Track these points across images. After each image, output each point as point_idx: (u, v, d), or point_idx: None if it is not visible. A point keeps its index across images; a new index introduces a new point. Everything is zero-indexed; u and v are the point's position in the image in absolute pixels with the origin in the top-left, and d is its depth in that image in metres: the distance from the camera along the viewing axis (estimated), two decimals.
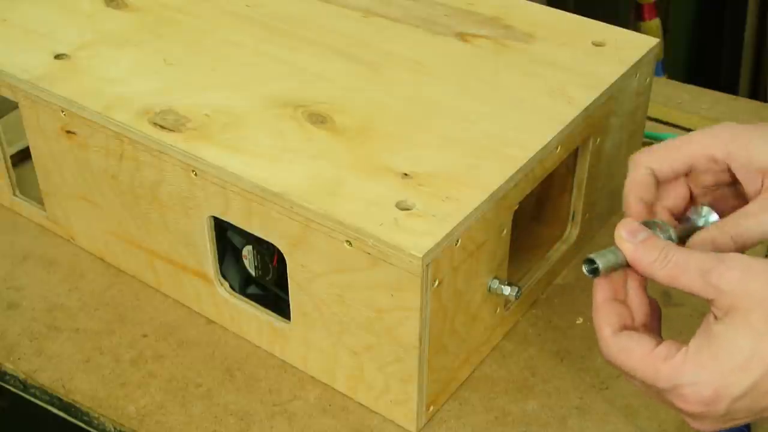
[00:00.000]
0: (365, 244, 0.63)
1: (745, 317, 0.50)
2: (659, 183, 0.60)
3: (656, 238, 0.55)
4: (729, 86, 1.95)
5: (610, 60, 0.82)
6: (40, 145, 0.84)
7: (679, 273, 0.53)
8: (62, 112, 0.78)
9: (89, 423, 0.74)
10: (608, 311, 0.56)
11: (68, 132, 0.79)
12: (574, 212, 0.84)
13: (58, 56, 0.83)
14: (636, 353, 0.53)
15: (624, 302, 0.57)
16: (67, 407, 0.75)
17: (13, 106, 0.84)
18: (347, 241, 0.64)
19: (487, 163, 0.69)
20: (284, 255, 0.70)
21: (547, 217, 0.87)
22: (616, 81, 0.79)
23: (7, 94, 0.83)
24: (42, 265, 0.87)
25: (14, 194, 0.92)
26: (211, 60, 0.83)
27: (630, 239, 0.55)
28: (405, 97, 0.77)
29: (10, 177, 0.91)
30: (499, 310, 0.75)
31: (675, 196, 0.61)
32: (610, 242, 0.56)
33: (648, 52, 0.83)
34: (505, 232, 0.71)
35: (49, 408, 0.76)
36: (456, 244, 0.65)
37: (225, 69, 0.81)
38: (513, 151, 0.70)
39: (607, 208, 0.89)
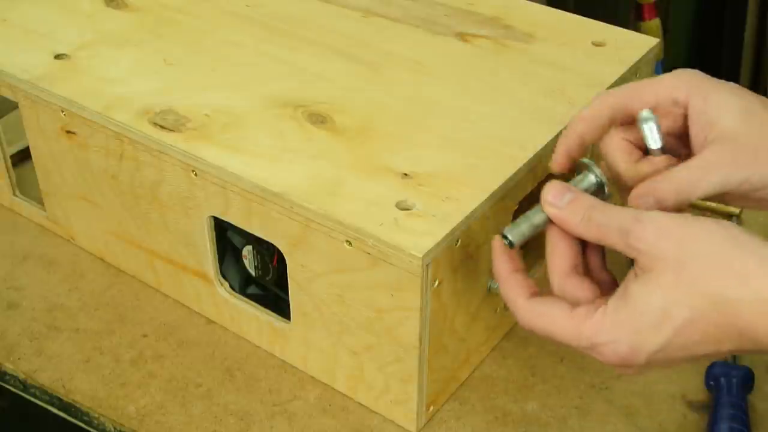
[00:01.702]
0: (365, 244, 0.63)
1: (657, 278, 0.51)
2: (622, 123, 0.60)
3: (581, 199, 0.56)
4: None
5: (610, 60, 0.82)
6: (40, 145, 0.84)
7: (602, 234, 0.54)
8: (62, 112, 0.78)
9: (89, 423, 0.74)
10: (517, 281, 0.57)
11: (68, 132, 0.79)
12: None
13: (58, 56, 0.83)
14: (556, 316, 0.54)
15: (525, 272, 0.59)
16: (67, 407, 0.75)
17: (13, 106, 0.84)
18: (347, 241, 0.64)
19: (487, 163, 0.69)
20: (284, 255, 0.70)
21: None
22: (616, 81, 0.79)
23: (7, 94, 0.83)
24: (42, 265, 0.87)
25: (14, 194, 0.92)
26: (211, 60, 0.83)
27: (555, 202, 0.56)
28: (405, 97, 0.77)
29: (10, 177, 0.91)
30: (499, 310, 0.75)
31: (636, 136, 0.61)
32: None
33: (648, 52, 0.83)
34: None
35: (49, 408, 0.76)
36: (456, 244, 0.65)
37: (225, 69, 0.81)
38: (513, 151, 0.70)
39: None
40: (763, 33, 1.91)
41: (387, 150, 0.71)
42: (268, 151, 0.71)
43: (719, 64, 2.04)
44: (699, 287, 0.50)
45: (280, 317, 0.75)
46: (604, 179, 0.59)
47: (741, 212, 0.90)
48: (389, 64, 0.82)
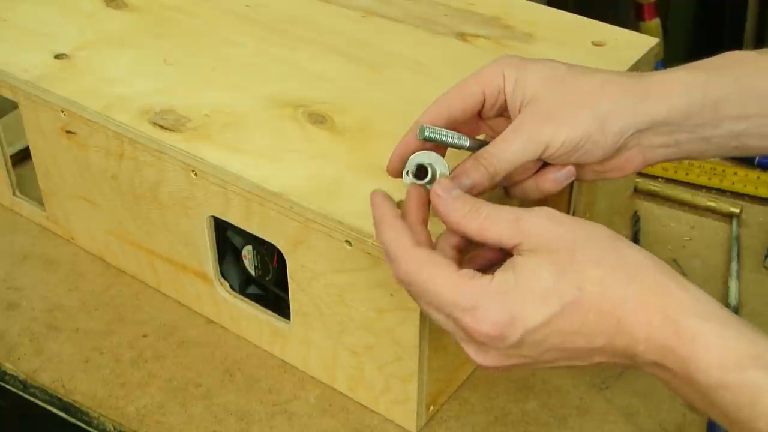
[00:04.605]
0: (365, 244, 0.63)
1: (550, 254, 0.50)
2: (463, 123, 0.61)
3: (468, 195, 0.54)
4: None
5: (610, 60, 0.82)
6: (40, 145, 0.84)
7: (490, 224, 0.52)
8: (62, 112, 0.78)
9: (89, 423, 0.74)
10: (403, 226, 0.54)
11: (68, 132, 0.79)
12: (574, 212, 0.84)
13: (58, 56, 0.83)
14: (442, 269, 0.52)
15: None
16: (67, 407, 0.75)
17: (13, 106, 0.84)
18: (347, 241, 0.64)
19: None
20: (284, 255, 0.70)
21: None
22: None
23: (7, 94, 0.83)
24: (42, 265, 0.87)
25: (14, 194, 0.92)
26: (211, 60, 0.83)
27: (443, 194, 0.54)
28: (405, 97, 0.77)
29: (10, 177, 0.91)
30: None
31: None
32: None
33: (648, 52, 0.83)
34: None
35: (49, 408, 0.76)
36: None
37: (225, 69, 0.81)
38: None
39: (607, 208, 0.89)
40: (763, 33, 1.91)
41: (387, 150, 0.71)
42: (268, 151, 0.71)
43: None
44: (591, 268, 0.50)
45: (280, 317, 0.75)
46: (445, 171, 0.58)
47: (741, 211, 0.90)
48: (389, 64, 0.82)
